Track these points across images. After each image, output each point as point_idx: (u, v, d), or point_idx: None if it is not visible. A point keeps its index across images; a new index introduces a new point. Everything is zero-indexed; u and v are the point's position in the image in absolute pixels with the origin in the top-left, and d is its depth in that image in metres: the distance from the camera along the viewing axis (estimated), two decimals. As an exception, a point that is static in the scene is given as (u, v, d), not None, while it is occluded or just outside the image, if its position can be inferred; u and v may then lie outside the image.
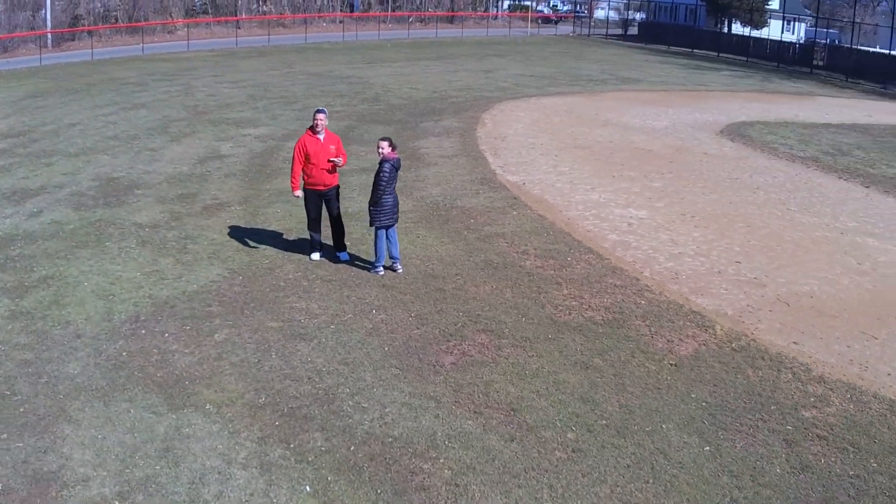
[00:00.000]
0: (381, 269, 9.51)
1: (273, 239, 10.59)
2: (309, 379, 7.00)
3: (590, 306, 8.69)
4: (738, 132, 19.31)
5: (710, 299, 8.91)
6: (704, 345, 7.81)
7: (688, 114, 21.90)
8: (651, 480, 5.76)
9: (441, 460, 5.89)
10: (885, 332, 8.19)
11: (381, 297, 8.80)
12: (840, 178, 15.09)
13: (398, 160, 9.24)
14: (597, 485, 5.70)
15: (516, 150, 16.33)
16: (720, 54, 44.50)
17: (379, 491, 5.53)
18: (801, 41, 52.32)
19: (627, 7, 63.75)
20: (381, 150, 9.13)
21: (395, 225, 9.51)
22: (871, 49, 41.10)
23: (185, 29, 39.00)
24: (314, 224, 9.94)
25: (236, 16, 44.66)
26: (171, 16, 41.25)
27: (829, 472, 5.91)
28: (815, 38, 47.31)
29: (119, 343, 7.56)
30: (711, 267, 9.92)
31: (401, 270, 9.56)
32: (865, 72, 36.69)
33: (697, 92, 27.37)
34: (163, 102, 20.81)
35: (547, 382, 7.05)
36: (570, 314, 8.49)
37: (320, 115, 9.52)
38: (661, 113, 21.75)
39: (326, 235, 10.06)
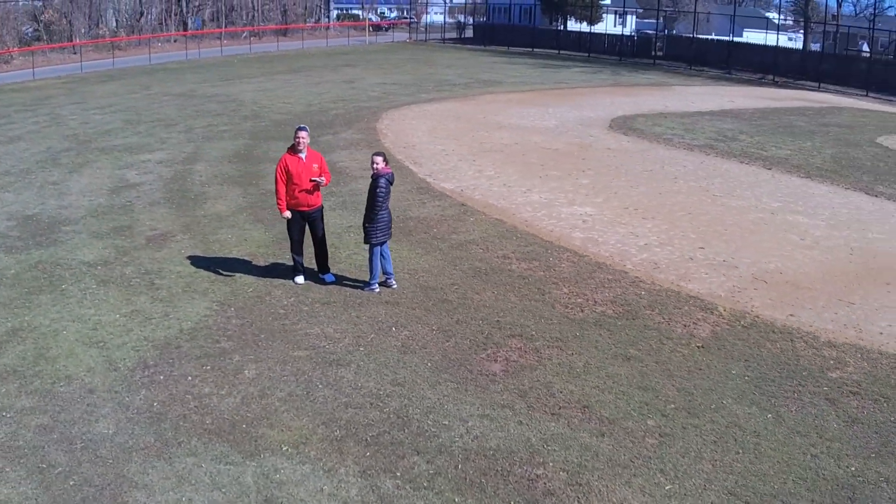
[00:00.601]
0: (377, 286, 9.30)
1: (243, 266, 10.02)
2: (371, 405, 6.74)
3: (596, 301, 9.00)
4: (626, 126, 20.60)
5: (697, 284, 9.52)
6: (717, 326, 8.35)
7: (567, 111, 23.02)
8: (740, 451, 6.11)
9: (550, 464, 5.91)
10: (856, 297, 9.15)
11: (392, 314, 8.60)
12: (741, 162, 16.56)
13: (392, 175, 9.09)
14: (698, 462, 5.96)
15: (433, 157, 16.43)
16: (560, 51, 47.08)
17: (512, 503, 5.47)
18: (634, 34, 56.21)
19: (466, 10, 65.63)
20: (375, 166, 8.93)
21: (389, 241, 9.34)
22: (708, 37, 45.11)
23: (22, 58, 35.69)
24: (297, 246, 9.54)
25: (72, 41, 41.36)
26: (5, 45, 37.54)
27: (875, 420, 6.55)
28: (653, 31, 50.99)
29: (142, 393, 6.87)
30: (682, 255, 10.59)
31: (395, 286, 9.39)
32: (707, 59, 40.34)
33: (561, 90, 28.83)
34: (37, 133, 18.93)
35: (600, 377, 7.24)
36: (582, 311, 8.74)
37: (302, 133, 9.15)
38: (543, 112, 22.71)
39: (307, 256, 9.67)
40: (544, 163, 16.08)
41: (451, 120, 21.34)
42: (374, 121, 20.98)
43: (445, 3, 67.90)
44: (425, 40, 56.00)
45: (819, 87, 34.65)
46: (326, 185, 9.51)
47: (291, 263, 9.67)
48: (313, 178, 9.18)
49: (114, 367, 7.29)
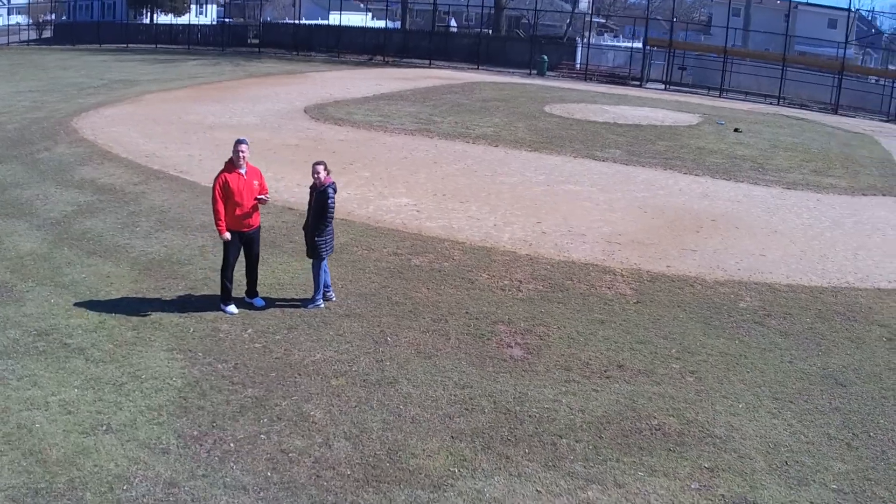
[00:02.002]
0: (322, 301, 8.96)
1: (148, 306, 8.64)
2: (470, 409, 6.89)
3: (521, 281, 10.01)
4: (327, 116, 21.40)
5: (576, 253, 11.15)
6: (630, 285, 10.08)
7: (251, 106, 22.86)
8: (750, 367, 7.82)
9: (660, 413, 6.95)
10: (692, 245, 11.72)
11: (368, 325, 8.48)
12: (466, 142, 18.80)
13: (334, 184, 8.79)
14: (735, 381, 7.51)
15: (189, 164, 15.26)
16: (158, 46, 44.87)
17: (698, 452, 6.42)
18: (216, 22, 55.81)
19: (32, 10, 57.42)
20: (317, 175, 8.58)
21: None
22: (315, 22, 46.91)
23: None
24: (231, 271, 8.67)
25: None
26: None
27: (796, 331, 8.81)
28: (230, 20, 51.11)
29: (238, 466, 5.95)
30: (533, 230, 12.12)
31: (334, 297, 9.16)
32: (313, 44, 42.21)
33: (211, 85, 28.12)
34: None
35: (603, 341, 8.37)
36: (521, 291, 9.70)
37: (243, 147, 8.33)
38: (231, 108, 22.25)
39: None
40: (306, 159, 16.07)
41: (154, 123, 19.58)
42: (73, 131, 18.17)
43: (6, 2, 58.43)
44: (7, 44, 48.02)
45: (430, 64, 39.41)
46: (266, 202, 8.78)
47: (175, 297, 8.80)
48: (259, 197, 8.44)
49: (161, 450, 6.06)
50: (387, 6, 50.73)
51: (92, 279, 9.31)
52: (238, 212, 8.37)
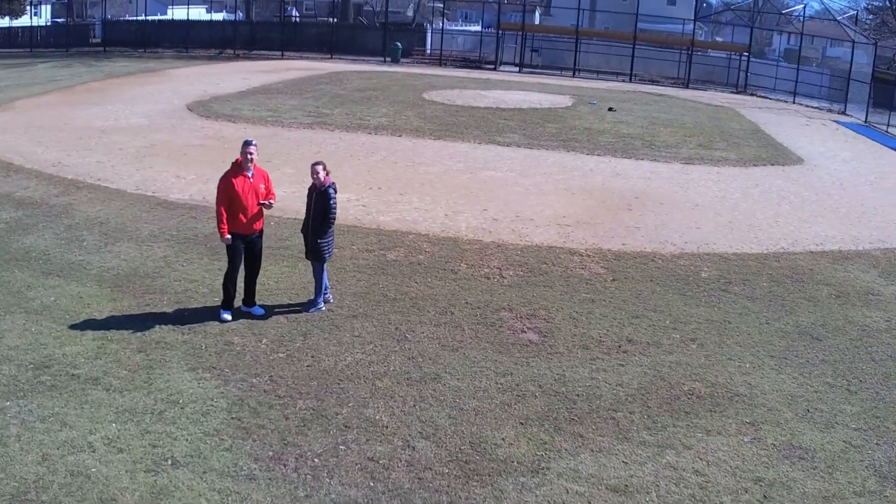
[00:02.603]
0: (323, 304, 8.82)
1: (142, 325, 8.12)
2: (532, 392, 7.14)
3: (501, 268, 10.33)
4: (219, 114, 20.55)
5: (536, 237, 11.60)
6: (599, 263, 10.69)
7: (132, 107, 21.43)
8: (735, 331, 8.66)
9: (689, 382, 7.57)
10: (631, 222, 12.55)
11: (378, 324, 8.47)
12: (368, 133, 18.96)
13: (335, 184, 8.63)
14: (734, 344, 8.31)
15: (113, 172, 14.16)
16: None
17: (733, 414, 7.04)
18: (49, 23, 51.43)
19: None
20: (316, 176, 8.40)
21: (325, 255, 8.91)
22: (162, 17, 44.02)
23: None
24: (235, 275, 8.36)
25: None
26: None
27: (758, 295, 9.77)
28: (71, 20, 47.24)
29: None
30: (485, 218, 12.43)
31: (332, 299, 9.05)
32: (161, 40, 39.75)
33: (78, 88, 25.97)
34: None
35: (604, 318, 8.89)
36: (504, 278, 10.02)
37: (251, 148, 8.04)
38: (115, 111, 20.72)
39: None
40: (224, 158, 15.38)
41: (41, 130, 17.78)
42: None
43: None
44: None
45: (282, 56, 38.48)
46: (272, 207, 8.46)
47: (165, 312, 8.38)
48: (263, 202, 8.15)
49: (245, 476, 5.83)
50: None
51: (64, 301, 8.54)
52: (242, 215, 8.08)
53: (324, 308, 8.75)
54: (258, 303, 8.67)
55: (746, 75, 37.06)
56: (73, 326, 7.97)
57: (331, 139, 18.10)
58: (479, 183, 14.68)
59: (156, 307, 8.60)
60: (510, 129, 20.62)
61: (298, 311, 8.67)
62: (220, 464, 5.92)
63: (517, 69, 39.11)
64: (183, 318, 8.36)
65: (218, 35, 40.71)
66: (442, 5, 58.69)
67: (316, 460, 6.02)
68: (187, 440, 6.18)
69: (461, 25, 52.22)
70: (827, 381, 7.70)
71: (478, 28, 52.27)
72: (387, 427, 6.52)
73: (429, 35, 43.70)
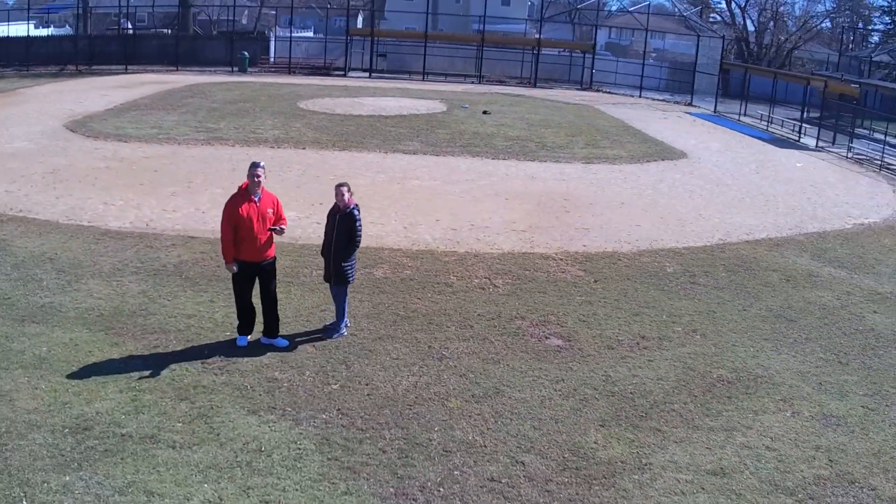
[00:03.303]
0: (345, 329, 8.63)
1: (165, 369, 7.53)
2: (597, 395, 7.46)
3: (490, 278, 10.54)
4: (101, 132, 19.05)
5: (503, 245, 11.90)
6: (573, 266, 11.19)
7: (6, 129, 19.38)
8: (720, 319, 9.50)
9: (714, 370, 8.25)
10: (579, 224, 13.17)
11: (405, 344, 8.44)
12: (270, 147, 18.28)
13: (357, 206, 8.43)
14: (730, 330, 9.15)
15: (28, 200, 12.69)
16: None
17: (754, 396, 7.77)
18: None
19: None
20: (342, 198, 8.20)
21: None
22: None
23: None
24: (246, 308, 8.00)
25: None
26: None
27: (726, 284, 10.76)
28: None
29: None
30: (443, 228, 12.56)
31: (350, 323, 8.87)
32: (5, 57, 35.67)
33: None
34: None
35: (612, 319, 9.40)
36: (497, 287, 10.25)
37: (259, 171, 7.68)
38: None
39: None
40: (135, 181, 14.37)
41: None
42: None
43: None
44: None
45: (126, 70, 35.98)
46: (282, 234, 8.06)
47: (182, 352, 7.87)
48: (272, 228, 7.78)
49: (383, 507, 5.68)
50: (48, 12, 44.49)
51: (59, 351, 7.67)
52: (249, 242, 7.70)
53: (346, 333, 8.53)
54: (259, 331, 8.24)
55: (592, 72, 39.64)
56: (85, 378, 7.21)
57: (238, 155, 17.30)
58: (412, 193, 14.76)
59: (165, 348, 7.96)
60: (406, 137, 20.76)
61: (320, 339, 8.40)
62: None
63: (367, 75, 39.12)
64: (202, 356, 7.82)
65: (57, 51, 37.18)
66: (274, 12, 57.27)
67: (441, 489, 5.97)
68: (297, 489, 5.87)
69: (297, 32, 51.14)
70: (820, 357, 8.71)
71: (310, 34, 51.69)
72: (485, 446, 6.57)
73: (272, 43, 42.55)
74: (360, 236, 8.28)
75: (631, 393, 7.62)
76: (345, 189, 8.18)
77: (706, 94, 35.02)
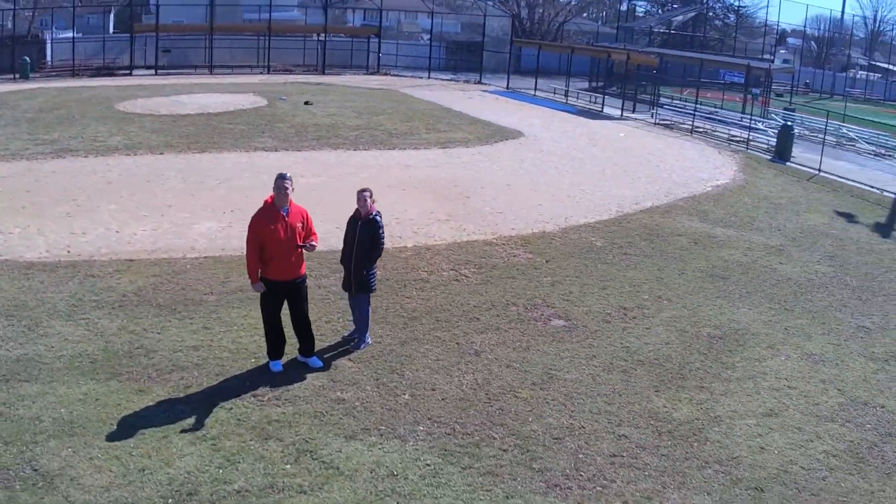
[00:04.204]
0: (369, 337, 8.45)
1: (221, 412, 6.92)
2: (645, 360, 8.11)
3: (454, 270, 10.74)
4: None
5: (440, 235, 12.08)
6: (521, 249, 11.73)
7: None
8: (701, 287, 10.69)
9: (719, 338, 9.32)
10: (492, 209, 13.65)
11: (437, 343, 8.50)
12: (136, 154, 16.65)
13: (380, 212, 8.21)
14: (697, 291, 10.34)
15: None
16: None
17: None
18: None
19: None
20: (364, 204, 8.00)
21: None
22: None
23: None
24: (276, 331, 7.58)
25: None
26: None
27: (691, 255, 12.01)
28: None
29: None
30: (416, 218, 12.56)
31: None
32: None
33: None
34: None
35: (598, 297, 10.11)
36: (471, 278, 10.49)
37: (287, 183, 7.25)
38: None
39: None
40: (23, 205, 12.40)
41: None
42: None
43: None
44: None
45: None
46: (314, 249, 7.62)
47: (220, 389, 7.33)
48: (302, 244, 7.39)
49: None
50: None
51: (81, 410, 6.64)
52: (279, 260, 7.27)
53: (370, 341, 8.34)
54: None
55: (378, 56, 40.20)
56: (138, 436, 6.36)
57: (100, 166, 15.45)
58: (310, 191, 14.27)
59: (198, 386, 7.25)
60: (253, 134, 19.84)
61: (347, 350, 8.16)
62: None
63: (153, 72, 36.17)
64: (245, 389, 7.26)
65: None
66: (33, 13, 50.18)
67: (582, 474, 6.26)
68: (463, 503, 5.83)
69: (62, 33, 45.42)
70: (769, 307, 10.14)
71: (80, 35, 46.34)
72: (584, 427, 6.95)
73: (48, 46, 37.62)
74: (383, 243, 8.11)
75: (655, 359, 8.39)
76: (367, 195, 7.96)
77: (495, 73, 37.26)
